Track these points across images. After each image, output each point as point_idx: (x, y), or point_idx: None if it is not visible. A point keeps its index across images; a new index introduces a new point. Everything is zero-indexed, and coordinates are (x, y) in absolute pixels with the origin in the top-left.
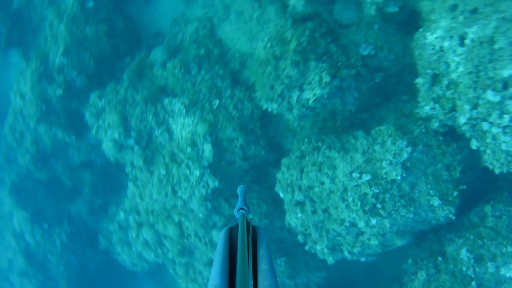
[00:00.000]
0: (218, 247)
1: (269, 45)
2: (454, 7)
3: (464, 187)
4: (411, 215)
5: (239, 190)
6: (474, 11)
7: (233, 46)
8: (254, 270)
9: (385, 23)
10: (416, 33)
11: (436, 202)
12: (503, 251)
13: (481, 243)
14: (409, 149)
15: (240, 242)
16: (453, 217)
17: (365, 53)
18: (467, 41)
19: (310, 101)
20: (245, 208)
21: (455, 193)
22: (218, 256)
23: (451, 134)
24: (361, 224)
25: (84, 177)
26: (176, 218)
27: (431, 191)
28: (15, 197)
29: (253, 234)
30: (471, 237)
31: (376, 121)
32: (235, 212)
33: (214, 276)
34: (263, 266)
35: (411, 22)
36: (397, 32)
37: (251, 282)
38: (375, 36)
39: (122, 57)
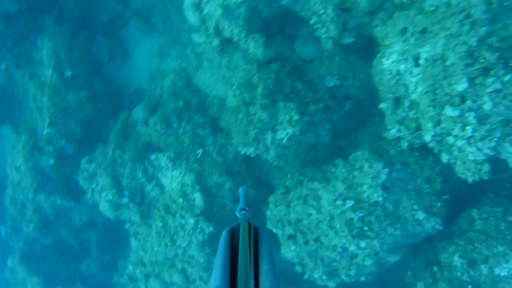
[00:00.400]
0: (219, 247)
1: (238, 92)
2: (404, 30)
3: (448, 196)
4: (399, 232)
5: (240, 191)
6: (424, 31)
7: (210, 92)
8: (255, 270)
9: (345, 53)
10: (374, 59)
11: (421, 215)
12: (494, 252)
13: (472, 247)
14: (386, 170)
15: (241, 243)
16: (441, 227)
17: (331, 84)
18: (421, 61)
19: (284, 140)
20: (246, 208)
21: (439, 204)
22: (219, 256)
23: (427, 148)
24: (352, 248)
25: (89, 236)
26: (179, 266)
27: (414, 206)
28: (26, 264)
29: (254, 235)
30: (462, 243)
31: (354, 146)
32: (236, 212)
33: (216, 276)
34: (264, 266)
35: (370, 47)
36: (359, 59)
37: (252, 282)
38: (338, 67)
39: (107, 118)
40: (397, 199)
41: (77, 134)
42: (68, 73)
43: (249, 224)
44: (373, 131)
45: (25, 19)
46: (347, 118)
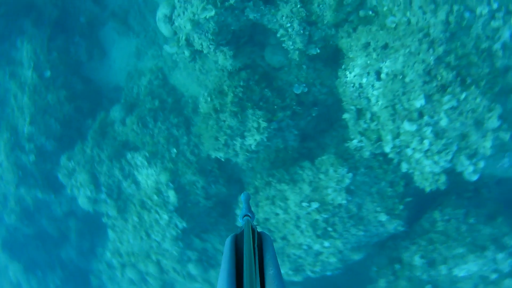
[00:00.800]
0: (224, 254)
1: (209, 99)
2: (367, 45)
3: (410, 199)
4: (362, 233)
5: (242, 197)
6: (385, 46)
7: (186, 91)
8: (261, 276)
9: (312, 61)
10: (339, 70)
11: (384, 217)
12: (454, 253)
13: (433, 248)
14: (350, 174)
15: (246, 249)
16: (402, 229)
17: (299, 92)
18: (382, 76)
19: (253, 146)
20: (249, 214)
21: (401, 207)
22: (224, 263)
23: None
24: (316, 246)
25: (70, 224)
26: (154, 258)
27: (378, 208)
28: (8, 251)
29: (258, 240)
30: (423, 243)
31: (322, 149)
32: (239, 219)
33: (222, 283)
34: (270, 271)
35: (337, 56)
36: (326, 67)
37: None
38: (305, 74)
39: (86, 116)
40: (360, 201)
41: (57, 132)
42: (48, 74)
43: (253, 230)
44: (340, 135)
45: (5, 21)
46: (317, 120)
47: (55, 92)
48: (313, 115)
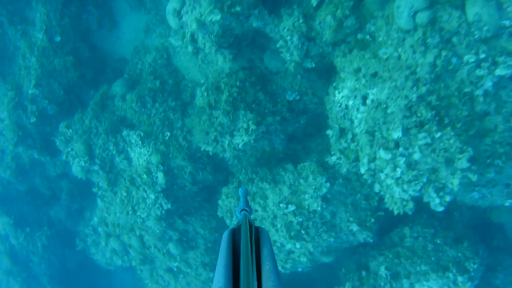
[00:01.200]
0: (221, 248)
1: (205, 94)
2: (358, 69)
3: (382, 213)
4: (333, 239)
5: (240, 192)
6: (375, 74)
7: (187, 74)
8: (258, 270)
9: (307, 72)
10: (330, 87)
11: (355, 227)
12: (417, 269)
13: (398, 262)
14: (328, 184)
15: (243, 243)
16: (371, 240)
17: (291, 98)
18: (368, 101)
19: (240, 145)
20: (247, 209)
21: (373, 220)
22: (221, 257)
23: None
24: (288, 246)
25: (61, 184)
26: (137, 232)
27: (350, 218)
28: None
29: (255, 235)
30: (390, 256)
31: (306, 153)
32: (237, 213)
33: (218, 277)
34: (266, 266)
35: (331, 71)
36: (320, 78)
37: (255, 282)
38: (299, 83)
39: (89, 84)
40: (335, 210)
41: (60, 96)
42: (58, 38)
43: (250, 224)
44: (325, 143)
45: None
46: (307, 123)
47: (62, 57)
48: (301, 122)
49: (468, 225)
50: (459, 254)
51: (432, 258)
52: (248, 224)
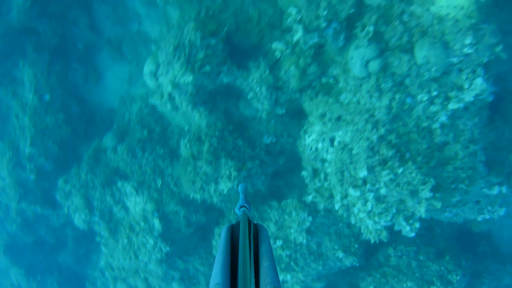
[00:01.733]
0: (219, 245)
1: (188, 145)
2: (323, 114)
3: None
4: (321, 267)
5: (240, 188)
6: (339, 118)
7: (173, 120)
8: (256, 267)
9: (280, 117)
10: (301, 130)
11: (341, 254)
12: (403, 286)
13: (385, 281)
14: (310, 218)
15: (241, 240)
16: (357, 264)
17: (268, 142)
18: (335, 143)
19: (225, 191)
20: (246, 205)
21: (356, 245)
22: (219, 254)
23: None
24: (280, 278)
25: (66, 232)
26: (142, 275)
27: (335, 246)
28: (9, 256)
29: (254, 232)
30: (378, 276)
31: (289, 188)
32: (236, 210)
33: (216, 273)
34: (264, 263)
35: (302, 113)
36: (293, 120)
37: (253, 279)
38: (274, 127)
39: (81, 137)
40: (320, 240)
41: (55, 153)
42: (47, 97)
43: (249, 221)
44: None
45: (7, 41)
46: (285, 161)
47: (54, 114)
48: (280, 163)
49: (450, 237)
50: (442, 268)
51: (417, 274)
52: (247, 221)
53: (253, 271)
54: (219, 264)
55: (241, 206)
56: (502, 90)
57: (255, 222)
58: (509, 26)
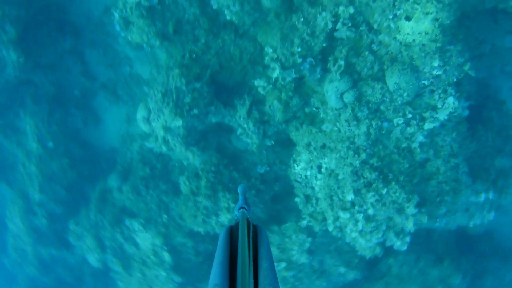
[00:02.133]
0: (218, 246)
1: (187, 182)
2: (309, 144)
3: None
4: (325, 283)
5: (239, 189)
6: (323, 146)
7: (173, 154)
8: (254, 269)
9: (270, 147)
10: (290, 159)
11: (343, 269)
12: None
13: None
14: (310, 239)
15: (240, 241)
16: (359, 277)
17: (262, 171)
18: (323, 170)
19: (225, 222)
20: (245, 207)
21: (357, 260)
22: (218, 255)
23: None
24: None
25: (83, 269)
26: None
27: (337, 262)
28: None
29: (253, 233)
30: (381, 287)
31: (288, 211)
32: (235, 211)
33: (215, 275)
34: (263, 265)
35: (291, 142)
36: (284, 148)
37: (251, 281)
38: (266, 157)
39: (87, 179)
40: (321, 258)
41: (63, 196)
42: (50, 144)
43: (248, 222)
44: None
45: (6, 93)
46: (282, 185)
47: (58, 160)
48: (276, 189)
49: (449, 242)
50: (442, 273)
51: (418, 281)
52: (246, 222)
53: (252, 273)
54: (218, 265)
55: (240, 207)
56: (484, 97)
57: (254, 223)
58: (482, 36)
